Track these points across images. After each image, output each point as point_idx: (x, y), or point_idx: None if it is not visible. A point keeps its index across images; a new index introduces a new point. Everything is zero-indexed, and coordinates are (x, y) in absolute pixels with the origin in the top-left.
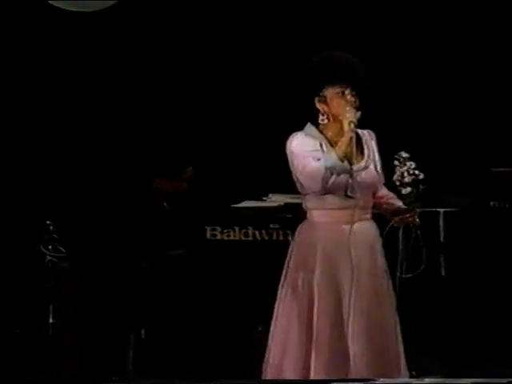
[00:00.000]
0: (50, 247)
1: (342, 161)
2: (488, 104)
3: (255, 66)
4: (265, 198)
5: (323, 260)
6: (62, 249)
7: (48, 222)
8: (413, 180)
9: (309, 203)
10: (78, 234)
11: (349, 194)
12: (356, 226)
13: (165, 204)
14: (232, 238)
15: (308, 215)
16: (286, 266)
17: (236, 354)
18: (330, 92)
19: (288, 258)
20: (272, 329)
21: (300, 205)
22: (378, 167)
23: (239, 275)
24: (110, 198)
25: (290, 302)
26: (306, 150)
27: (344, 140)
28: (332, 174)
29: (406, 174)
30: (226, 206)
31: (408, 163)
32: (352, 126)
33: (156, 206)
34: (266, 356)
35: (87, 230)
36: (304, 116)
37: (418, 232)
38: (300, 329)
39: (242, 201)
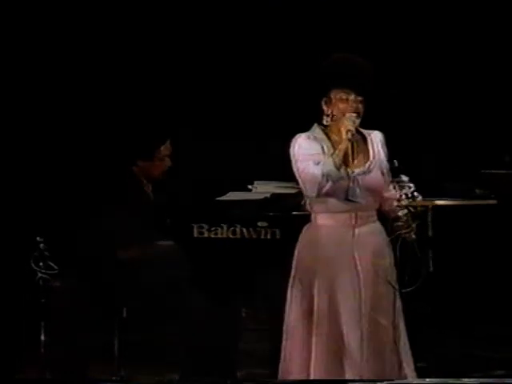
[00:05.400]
0: (41, 264)
1: (338, 168)
2: (478, 108)
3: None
4: (250, 187)
5: (325, 263)
6: (53, 265)
7: (38, 239)
8: (410, 202)
9: (312, 206)
10: (69, 250)
11: (350, 198)
12: (360, 229)
13: (148, 192)
14: (220, 235)
15: (312, 217)
16: (293, 268)
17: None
18: (334, 95)
19: (294, 261)
20: (284, 328)
21: (287, 194)
22: (385, 170)
23: (227, 273)
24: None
25: (297, 304)
26: (307, 154)
27: (341, 148)
28: (328, 181)
29: (403, 196)
30: (210, 197)
31: (407, 186)
32: (349, 134)
33: (137, 194)
34: (282, 354)
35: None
36: (309, 115)
37: (415, 245)
38: (303, 330)
39: (227, 191)
